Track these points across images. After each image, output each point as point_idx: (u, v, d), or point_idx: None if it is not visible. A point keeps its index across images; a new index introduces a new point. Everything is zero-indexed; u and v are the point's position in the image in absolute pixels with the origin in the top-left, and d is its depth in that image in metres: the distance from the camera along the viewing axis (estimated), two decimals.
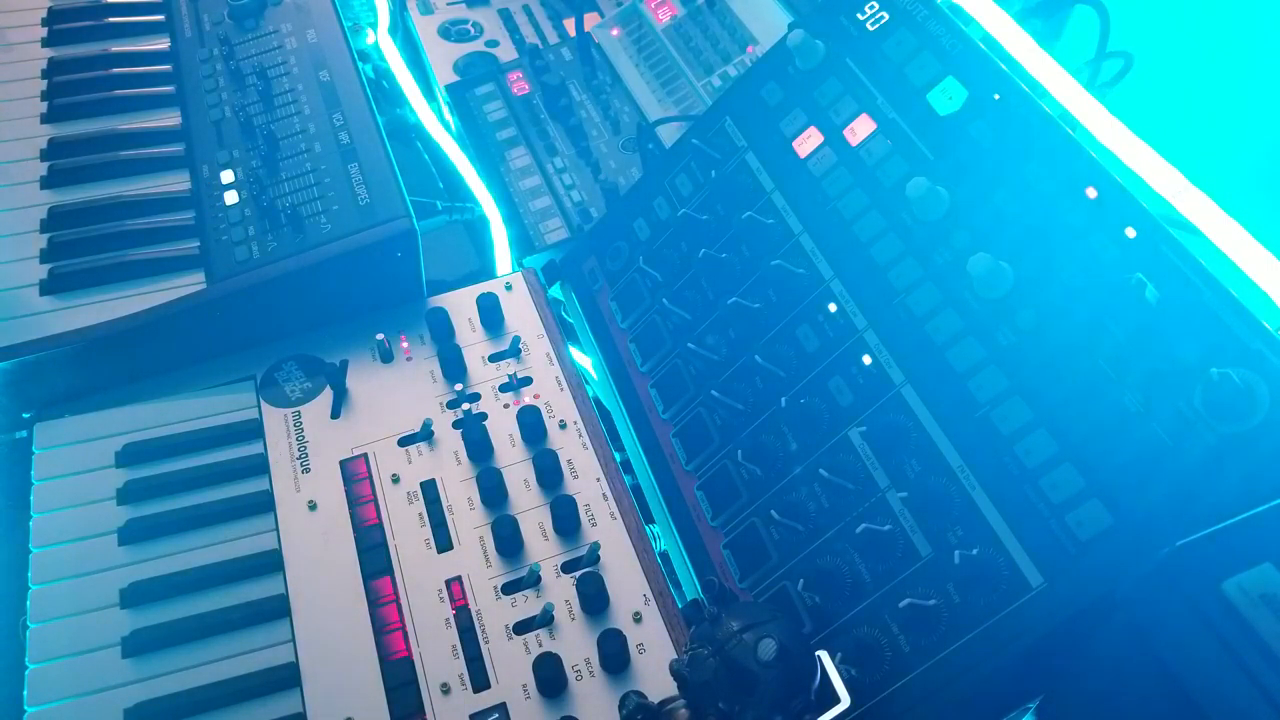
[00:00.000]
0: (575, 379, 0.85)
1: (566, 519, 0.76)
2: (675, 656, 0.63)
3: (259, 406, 0.84)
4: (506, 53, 1.20)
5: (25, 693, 0.69)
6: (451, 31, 1.19)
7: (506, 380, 0.85)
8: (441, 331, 0.88)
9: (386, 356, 0.87)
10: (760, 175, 0.81)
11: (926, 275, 0.69)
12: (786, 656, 0.55)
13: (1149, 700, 0.54)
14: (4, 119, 0.99)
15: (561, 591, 0.73)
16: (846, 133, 0.77)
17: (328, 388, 0.84)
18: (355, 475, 0.79)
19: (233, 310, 0.85)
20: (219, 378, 0.86)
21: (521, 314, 0.90)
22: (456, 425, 0.82)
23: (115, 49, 1.08)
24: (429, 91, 1.20)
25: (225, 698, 0.69)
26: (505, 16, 1.22)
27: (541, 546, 0.76)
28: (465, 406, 0.83)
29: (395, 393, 0.85)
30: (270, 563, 0.75)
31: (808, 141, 0.79)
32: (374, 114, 0.93)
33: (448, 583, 0.74)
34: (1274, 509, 0.51)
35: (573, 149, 1.06)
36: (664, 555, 0.78)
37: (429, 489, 0.79)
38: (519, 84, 1.13)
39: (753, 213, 0.79)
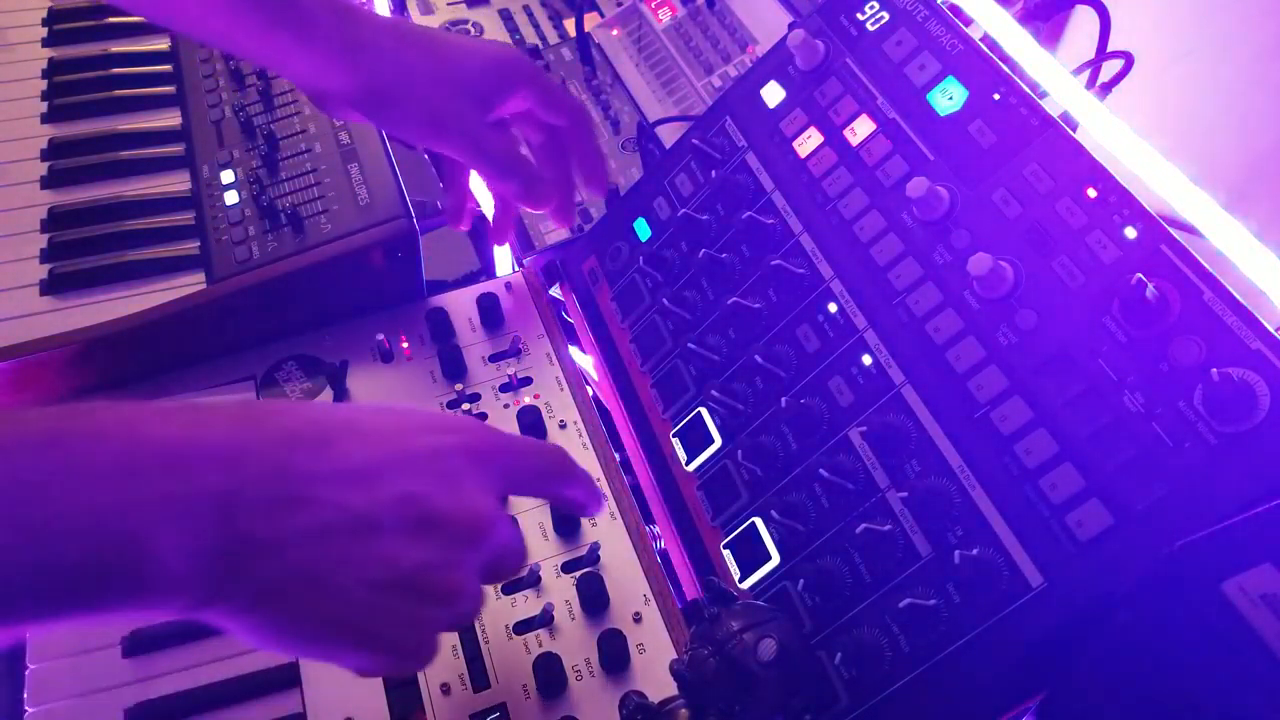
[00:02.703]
0: (575, 379, 0.85)
1: (566, 519, 0.76)
2: (675, 656, 0.63)
3: None
4: None
5: (25, 693, 0.69)
6: (452, 31, 1.19)
7: (506, 380, 0.85)
8: (441, 331, 0.88)
9: (386, 356, 0.87)
10: (760, 175, 0.81)
11: (926, 275, 0.69)
12: (786, 656, 0.55)
13: (1149, 700, 0.54)
14: (4, 119, 0.99)
15: (561, 591, 0.73)
16: (846, 133, 0.77)
17: (328, 388, 0.84)
18: None
19: (233, 310, 0.85)
20: (219, 378, 0.86)
21: (521, 314, 0.90)
22: None
23: (115, 49, 1.08)
24: None
25: (225, 698, 0.69)
26: (505, 16, 1.22)
27: (541, 546, 0.76)
28: (465, 406, 0.83)
29: (395, 393, 0.85)
30: None
31: (808, 141, 0.79)
32: None
33: None
34: (1274, 509, 0.51)
35: None
36: (664, 555, 0.78)
37: None
38: None
39: (753, 213, 0.79)
